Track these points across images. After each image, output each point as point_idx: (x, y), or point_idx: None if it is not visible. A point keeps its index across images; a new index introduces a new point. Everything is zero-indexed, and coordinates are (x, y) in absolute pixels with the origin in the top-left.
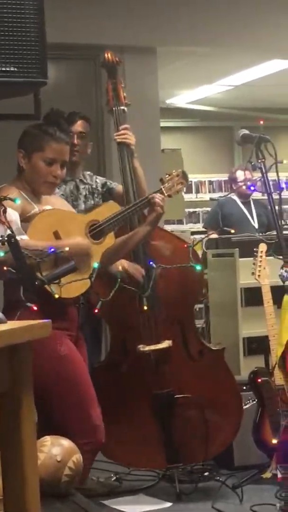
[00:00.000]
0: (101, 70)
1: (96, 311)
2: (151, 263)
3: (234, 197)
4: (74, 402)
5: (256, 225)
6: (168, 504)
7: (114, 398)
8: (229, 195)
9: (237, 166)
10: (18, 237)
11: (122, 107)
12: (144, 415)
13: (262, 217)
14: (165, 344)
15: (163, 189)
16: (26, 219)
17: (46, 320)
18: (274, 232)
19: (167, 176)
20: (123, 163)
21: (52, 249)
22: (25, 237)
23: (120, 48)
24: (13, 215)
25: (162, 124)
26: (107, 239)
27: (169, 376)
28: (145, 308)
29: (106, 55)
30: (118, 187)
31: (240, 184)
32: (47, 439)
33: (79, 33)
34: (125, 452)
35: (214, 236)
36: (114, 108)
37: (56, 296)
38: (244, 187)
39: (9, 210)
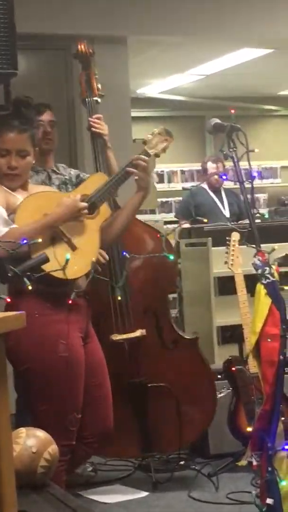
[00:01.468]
0: (72, 61)
1: (70, 302)
2: (124, 253)
3: (205, 186)
4: (57, 404)
5: (227, 214)
6: (145, 494)
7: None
8: (200, 185)
9: (209, 157)
10: (7, 227)
11: (95, 98)
12: (118, 405)
13: (233, 206)
14: (138, 333)
15: (146, 149)
16: (14, 210)
17: (20, 312)
18: (247, 221)
19: (149, 136)
20: (96, 153)
21: (25, 241)
22: (13, 226)
23: (91, 37)
24: None
25: (133, 114)
26: (102, 211)
27: (142, 365)
28: (119, 298)
29: (79, 46)
30: None
31: (211, 176)
32: (22, 431)
33: (49, 23)
34: None
35: (187, 225)
36: (87, 99)
37: (30, 287)
38: (215, 177)
39: None
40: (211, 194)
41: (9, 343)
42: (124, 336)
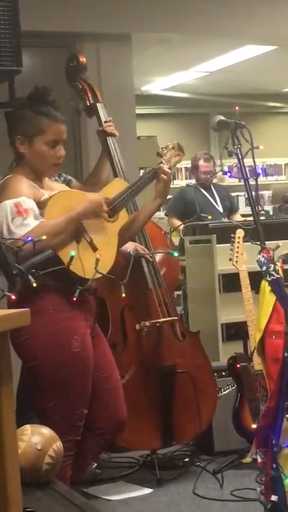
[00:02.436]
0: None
1: (74, 299)
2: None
3: (194, 182)
4: (67, 400)
5: (221, 209)
6: (149, 490)
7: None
8: (190, 182)
9: (200, 155)
10: (35, 221)
11: (101, 102)
12: (150, 392)
13: (225, 200)
14: (172, 318)
15: (163, 161)
16: (42, 205)
17: (24, 309)
18: (251, 218)
19: (163, 149)
20: (114, 154)
21: (30, 238)
22: (34, 223)
23: (95, 35)
24: (29, 203)
25: (138, 111)
26: (120, 217)
27: (169, 352)
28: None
29: (80, 58)
30: (76, 182)
31: (203, 176)
32: (27, 428)
33: (54, 20)
34: (127, 433)
35: (178, 223)
36: (96, 104)
37: (34, 284)
38: (204, 176)
39: (24, 199)
40: (202, 190)
41: (21, 338)
42: (160, 320)
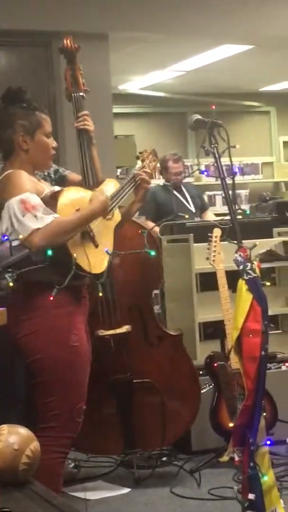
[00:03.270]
0: (54, 57)
1: (51, 298)
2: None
3: (163, 183)
4: (66, 394)
5: (193, 209)
6: (127, 490)
7: None
8: (159, 182)
9: (168, 156)
10: (51, 216)
11: (81, 93)
12: (103, 401)
13: (195, 199)
14: (124, 328)
15: (146, 166)
16: (43, 200)
17: (1, 308)
18: (228, 217)
19: (142, 153)
20: (83, 150)
21: (6, 237)
22: (54, 215)
23: (72, 34)
24: (35, 198)
25: (115, 110)
26: (115, 216)
27: (128, 361)
28: (100, 294)
29: (65, 41)
30: (71, 174)
31: (174, 177)
32: (4, 428)
33: (30, 19)
34: (84, 439)
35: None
36: (73, 94)
37: (11, 284)
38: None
39: (28, 195)
40: (173, 191)
41: (21, 334)
42: (111, 331)
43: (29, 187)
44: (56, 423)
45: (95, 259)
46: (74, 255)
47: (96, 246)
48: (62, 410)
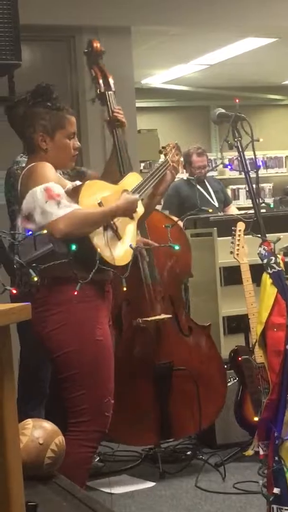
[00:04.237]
0: (76, 51)
1: (75, 293)
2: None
3: (186, 177)
4: (94, 388)
5: (216, 204)
6: (151, 484)
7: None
8: (182, 177)
9: (192, 150)
10: (72, 207)
11: (112, 91)
12: (143, 390)
13: (219, 193)
14: (165, 316)
15: (168, 160)
16: (69, 194)
17: (26, 303)
18: (251, 211)
19: (165, 148)
20: (117, 145)
21: (30, 232)
22: (77, 206)
23: (95, 28)
24: (59, 188)
25: (138, 104)
26: (138, 208)
27: (167, 349)
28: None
29: (94, 44)
30: (90, 171)
31: (198, 171)
32: (29, 422)
33: (53, 14)
34: (121, 430)
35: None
36: (106, 92)
37: (35, 279)
38: (199, 171)
39: (53, 184)
40: (197, 186)
41: (47, 329)
42: (154, 318)
43: (53, 178)
44: (85, 417)
45: (119, 252)
46: (98, 249)
47: (119, 239)
48: (91, 404)
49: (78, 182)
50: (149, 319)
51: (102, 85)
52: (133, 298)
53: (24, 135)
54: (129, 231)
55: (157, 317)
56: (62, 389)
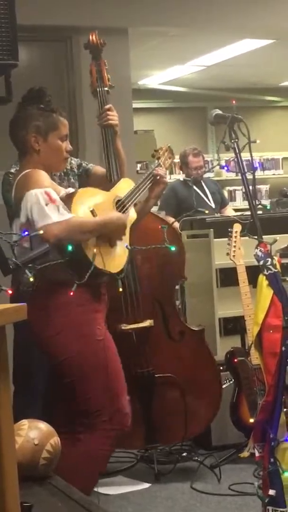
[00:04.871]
0: (74, 52)
1: (71, 293)
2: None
3: (183, 178)
4: (106, 387)
5: (212, 205)
6: (147, 485)
7: None
8: (179, 178)
9: (188, 150)
10: (70, 214)
11: (105, 88)
12: (129, 394)
13: (215, 194)
14: (147, 323)
15: (161, 163)
16: (63, 200)
17: (21, 304)
18: (247, 212)
19: (157, 151)
20: (108, 144)
21: (26, 232)
22: (70, 215)
23: (92, 29)
24: (56, 195)
25: (135, 105)
26: (130, 214)
27: (150, 356)
28: (120, 289)
29: (90, 36)
30: (95, 168)
31: (195, 172)
32: (24, 423)
33: (50, 14)
34: None
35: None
36: (98, 89)
37: (31, 279)
38: (195, 172)
39: (51, 189)
40: (194, 186)
41: (46, 334)
42: (134, 325)
43: (49, 184)
44: (103, 417)
45: (111, 259)
46: (92, 254)
47: (112, 246)
48: (104, 403)
49: (71, 189)
50: (128, 327)
51: (94, 81)
52: (113, 305)
53: (17, 137)
54: (123, 237)
55: (138, 324)
56: (70, 392)
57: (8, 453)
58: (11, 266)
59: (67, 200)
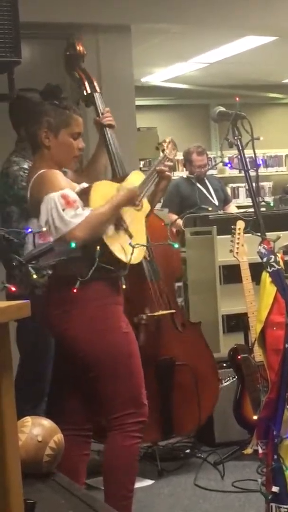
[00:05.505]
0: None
1: (74, 290)
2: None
3: (186, 175)
4: (130, 380)
5: (216, 202)
6: (150, 482)
7: None
8: (182, 175)
9: (192, 148)
10: (86, 211)
11: (99, 92)
12: (146, 386)
13: (219, 192)
14: (168, 311)
15: (166, 155)
16: (80, 196)
17: (25, 301)
18: (250, 209)
19: (162, 144)
20: (111, 144)
21: (30, 230)
22: (89, 210)
23: (94, 26)
24: (73, 195)
25: (137, 102)
26: (144, 205)
27: (167, 344)
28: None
29: (78, 47)
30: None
31: (198, 170)
32: (28, 420)
33: (52, 12)
34: None
35: (174, 216)
36: (94, 94)
37: (34, 276)
38: (199, 170)
39: (68, 190)
40: (197, 183)
41: (70, 331)
42: (158, 313)
43: (66, 184)
44: (129, 410)
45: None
46: (117, 249)
47: (131, 237)
48: (131, 395)
49: (84, 184)
50: (154, 314)
51: (87, 87)
52: (134, 296)
53: (28, 132)
54: (138, 228)
55: (161, 312)
56: (94, 386)
57: (11, 450)
58: (14, 263)
59: (84, 195)
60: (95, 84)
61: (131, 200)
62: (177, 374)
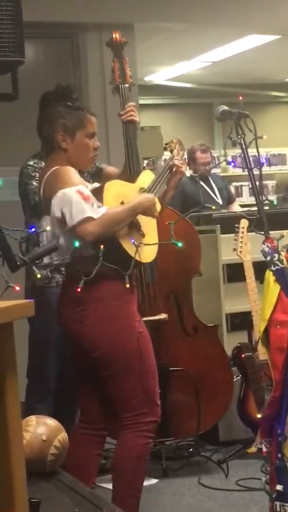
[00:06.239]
0: (80, 49)
1: (78, 290)
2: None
3: (191, 174)
4: (145, 378)
5: (220, 201)
6: (155, 481)
7: None
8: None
9: (196, 146)
10: (104, 208)
11: (127, 85)
12: None
13: (223, 190)
14: (161, 316)
15: (175, 155)
16: (94, 195)
17: (29, 300)
18: (254, 208)
19: (169, 144)
20: (129, 140)
21: (33, 229)
22: (104, 208)
23: (98, 25)
24: (87, 191)
25: (141, 101)
26: (156, 205)
27: (164, 349)
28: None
29: (114, 35)
30: (108, 168)
31: (202, 168)
32: (32, 419)
33: (56, 11)
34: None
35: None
36: (120, 85)
37: (38, 276)
38: (203, 168)
39: (82, 187)
40: (201, 182)
41: (85, 329)
42: (149, 318)
43: (79, 181)
44: (144, 409)
45: (144, 249)
46: (130, 248)
47: (143, 236)
48: (145, 395)
49: (96, 184)
50: (144, 319)
51: (116, 77)
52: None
53: (43, 135)
54: (151, 228)
55: (151, 317)
56: (107, 385)
57: (16, 449)
58: (18, 263)
59: (97, 194)
60: (128, 77)
61: (150, 209)
62: (174, 380)
